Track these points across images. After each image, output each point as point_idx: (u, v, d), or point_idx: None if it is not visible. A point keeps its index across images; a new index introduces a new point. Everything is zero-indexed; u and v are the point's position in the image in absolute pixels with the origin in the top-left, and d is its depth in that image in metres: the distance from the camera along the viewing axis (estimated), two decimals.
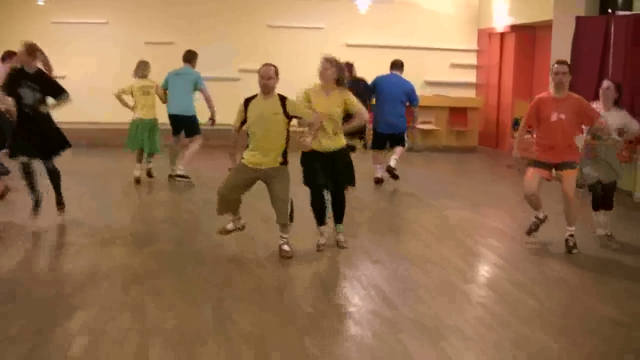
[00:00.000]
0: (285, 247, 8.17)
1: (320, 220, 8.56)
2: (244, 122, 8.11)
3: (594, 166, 8.91)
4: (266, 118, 8.00)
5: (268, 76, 8.04)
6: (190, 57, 12.88)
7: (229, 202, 8.21)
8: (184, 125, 12.57)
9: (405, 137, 12.93)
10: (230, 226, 8.39)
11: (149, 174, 12.74)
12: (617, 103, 8.94)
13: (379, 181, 12.85)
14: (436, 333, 5.96)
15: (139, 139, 12.44)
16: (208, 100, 12.51)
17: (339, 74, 8.40)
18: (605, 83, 8.95)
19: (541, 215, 9.01)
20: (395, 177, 12.61)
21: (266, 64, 8.15)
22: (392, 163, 12.52)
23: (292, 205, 8.20)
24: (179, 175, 12.40)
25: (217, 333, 5.83)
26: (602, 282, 7.69)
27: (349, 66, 12.82)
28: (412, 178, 13.17)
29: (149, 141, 12.43)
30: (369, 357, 5.50)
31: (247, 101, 8.13)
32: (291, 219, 8.24)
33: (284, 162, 8.17)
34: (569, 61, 12.74)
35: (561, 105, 8.59)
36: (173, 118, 12.60)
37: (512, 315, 6.47)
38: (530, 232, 9.06)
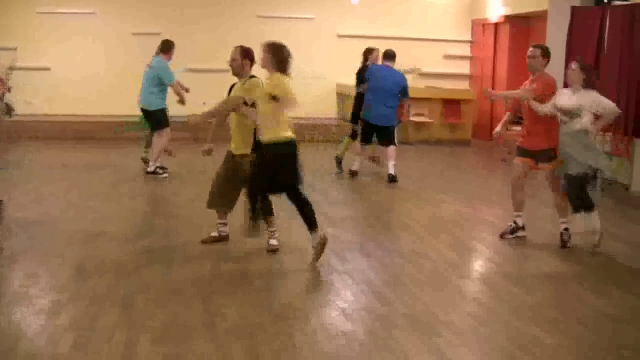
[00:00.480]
0: (272, 242, 8.17)
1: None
2: None
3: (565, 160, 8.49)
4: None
5: (231, 58, 8.06)
6: (163, 47, 12.65)
7: (217, 196, 8.22)
8: (147, 119, 12.60)
9: (395, 133, 12.90)
10: (213, 234, 8.41)
11: (144, 161, 12.85)
12: (588, 84, 8.33)
13: (354, 174, 12.91)
14: (430, 328, 6.00)
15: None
16: (176, 94, 12.44)
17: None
18: (572, 64, 8.52)
19: (520, 222, 8.89)
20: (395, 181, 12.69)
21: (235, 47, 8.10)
22: (392, 170, 12.53)
23: (262, 199, 7.91)
24: (149, 172, 12.47)
25: (207, 328, 5.85)
26: (597, 276, 7.72)
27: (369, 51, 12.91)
28: (404, 171, 13.18)
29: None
30: (362, 354, 5.53)
31: (232, 86, 8.22)
32: (265, 213, 8.00)
33: (255, 150, 7.97)
34: (564, 51, 12.84)
35: (532, 87, 8.57)
36: (141, 111, 12.68)
37: (505, 310, 6.51)
38: (504, 235, 8.94)
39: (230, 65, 8.10)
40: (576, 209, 8.42)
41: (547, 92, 8.48)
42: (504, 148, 9.14)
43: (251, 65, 8.16)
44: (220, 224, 8.42)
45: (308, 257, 7.84)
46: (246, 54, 8.13)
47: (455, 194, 11.61)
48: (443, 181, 12.93)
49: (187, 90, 12.53)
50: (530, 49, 8.70)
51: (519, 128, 9.63)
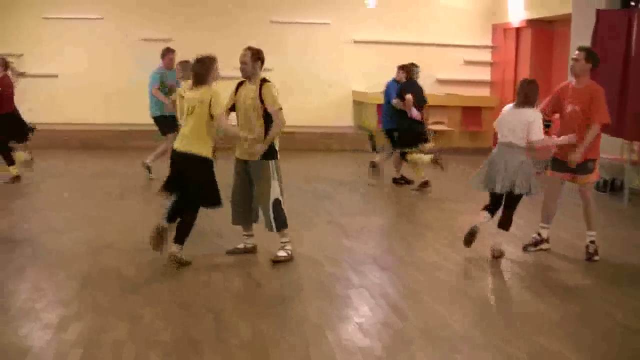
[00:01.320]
0: (280, 253, 8.20)
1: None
2: (233, 108, 8.19)
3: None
4: (243, 103, 8.07)
5: (242, 61, 8.10)
6: (161, 54, 13.15)
7: (239, 212, 8.33)
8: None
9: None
10: (239, 246, 8.46)
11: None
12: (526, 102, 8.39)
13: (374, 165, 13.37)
14: (449, 344, 5.99)
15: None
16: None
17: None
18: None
19: (545, 234, 8.90)
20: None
21: (244, 48, 8.18)
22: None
23: (280, 208, 8.15)
24: (145, 163, 12.98)
25: (218, 343, 5.86)
26: (622, 290, 7.67)
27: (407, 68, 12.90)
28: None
29: None
30: None
31: (239, 85, 8.22)
32: (280, 224, 8.16)
33: (266, 156, 8.06)
34: None
35: (577, 95, 8.49)
36: None
37: (527, 325, 6.49)
38: (527, 247, 8.95)
39: (240, 69, 8.09)
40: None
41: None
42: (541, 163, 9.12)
43: (262, 66, 8.18)
44: (246, 235, 8.48)
45: (324, 270, 7.86)
46: (257, 55, 8.11)
47: (475, 205, 11.56)
48: (462, 191, 12.90)
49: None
50: (576, 51, 8.63)
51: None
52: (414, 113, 12.55)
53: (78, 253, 8.34)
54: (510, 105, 8.61)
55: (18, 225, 9.48)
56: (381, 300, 7.04)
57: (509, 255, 8.78)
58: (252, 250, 8.48)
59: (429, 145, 12.85)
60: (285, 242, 8.26)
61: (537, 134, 8.23)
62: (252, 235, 8.49)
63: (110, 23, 18.03)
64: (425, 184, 12.63)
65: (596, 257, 8.55)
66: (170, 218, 8.03)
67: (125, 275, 7.59)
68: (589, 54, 8.58)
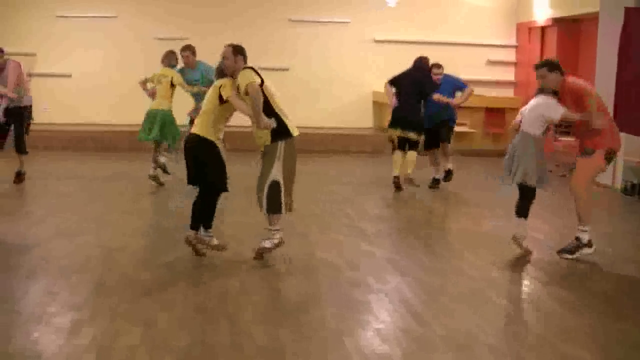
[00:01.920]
0: (265, 243, 8.27)
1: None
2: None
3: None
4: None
5: (223, 56, 8.27)
6: None
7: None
8: None
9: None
10: (268, 243, 8.37)
11: (163, 169, 12.80)
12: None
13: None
14: (470, 351, 5.97)
15: (147, 129, 12.46)
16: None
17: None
18: None
19: (585, 239, 8.79)
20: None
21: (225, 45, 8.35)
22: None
23: (276, 191, 8.13)
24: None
25: (234, 349, 5.87)
26: None
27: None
28: (444, 184, 13.18)
29: (160, 132, 12.42)
30: None
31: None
32: (272, 207, 8.16)
33: (275, 137, 8.11)
34: (616, 56, 12.72)
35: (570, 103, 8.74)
36: None
37: (552, 333, 6.46)
38: (563, 252, 8.89)
39: (225, 66, 8.25)
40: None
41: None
42: (564, 166, 9.18)
43: (244, 61, 8.29)
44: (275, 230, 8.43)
45: (343, 275, 7.87)
46: (238, 50, 8.26)
47: (499, 208, 11.56)
48: (484, 194, 12.88)
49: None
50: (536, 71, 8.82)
51: (569, 138, 9.63)
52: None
53: (90, 256, 8.38)
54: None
55: (29, 228, 9.53)
56: (401, 305, 7.03)
57: (533, 260, 8.75)
58: (281, 243, 8.41)
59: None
60: (274, 231, 8.24)
61: (557, 111, 8.51)
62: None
63: (124, 22, 18.12)
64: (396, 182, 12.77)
65: (589, 250, 8.73)
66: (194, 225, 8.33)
67: (138, 279, 7.61)
68: (548, 65, 8.78)
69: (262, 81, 7.98)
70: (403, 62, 16.12)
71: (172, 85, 12.45)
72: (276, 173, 8.08)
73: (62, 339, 5.97)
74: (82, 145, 16.92)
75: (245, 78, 7.98)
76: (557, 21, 17.25)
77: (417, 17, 18.71)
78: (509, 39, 19.30)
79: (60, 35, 17.93)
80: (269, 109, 8.02)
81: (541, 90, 8.70)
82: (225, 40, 17.21)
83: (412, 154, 12.68)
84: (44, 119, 16.06)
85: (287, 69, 17.76)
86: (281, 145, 8.10)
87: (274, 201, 8.13)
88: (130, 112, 17.67)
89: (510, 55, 19.40)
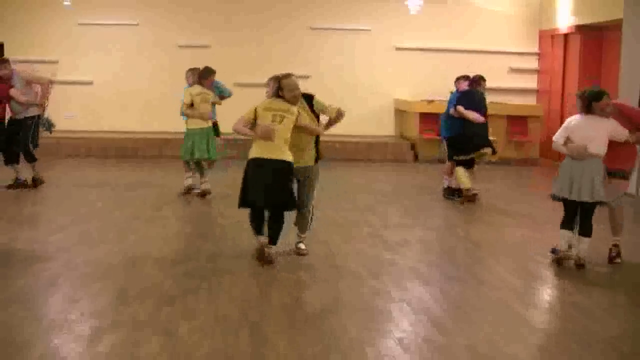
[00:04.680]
0: (301, 245, 8.98)
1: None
2: None
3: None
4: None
5: (296, 87, 8.55)
6: None
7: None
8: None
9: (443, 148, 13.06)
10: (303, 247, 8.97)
11: (204, 193, 12.65)
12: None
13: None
14: None
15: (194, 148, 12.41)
16: None
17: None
18: None
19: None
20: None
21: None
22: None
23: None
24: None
25: (255, 358, 5.86)
26: None
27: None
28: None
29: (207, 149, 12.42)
30: None
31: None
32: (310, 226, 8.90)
33: (316, 160, 8.78)
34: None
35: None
36: None
37: (576, 344, 6.40)
38: (611, 260, 8.96)
39: (296, 97, 8.47)
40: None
41: None
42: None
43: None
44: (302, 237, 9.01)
45: (364, 283, 7.84)
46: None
47: (522, 217, 11.51)
48: (507, 203, 12.82)
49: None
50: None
51: None
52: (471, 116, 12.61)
53: (113, 264, 8.39)
54: (577, 116, 8.81)
55: (52, 235, 9.57)
56: (423, 315, 7.00)
57: (554, 270, 8.70)
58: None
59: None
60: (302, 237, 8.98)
61: (623, 132, 8.65)
62: None
63: (145, 29, 18.21)
64: (472, 197, 12.57)
65: (618, 260, 8.87)
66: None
67: (160, 287, 7.61)
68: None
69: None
70: (424, 70, 16.19)
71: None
72: (315, 194, 8.80)
73: (82, 347, 5.98)
74: (104, 153, 17.00)
75: (322, 103, 8.66)
76: (580, 28, 17.17)
77: (439, 25, 18.68)
78: (531, 46, 19.24)
79: (82, 42, 18.04)
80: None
81: (587, 111, 8.66)
82: (246, 47, 17.37)
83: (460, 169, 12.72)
84: (67, 126, 16.17)
85: (308, 77, 17.75)
86: (317, 167, 8.72)
87: (308, 219, 8.94)
88: (152, 119, 17.81)
89: (532, 63, 19.34)
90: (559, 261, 8.77)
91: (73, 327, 6.41)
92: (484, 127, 12.74)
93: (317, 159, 8.74)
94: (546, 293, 8.20)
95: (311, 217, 8.92)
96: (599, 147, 8.54)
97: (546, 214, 12.00)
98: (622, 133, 8.60)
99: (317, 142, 8.73)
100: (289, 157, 8.32)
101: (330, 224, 10.49)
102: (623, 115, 8.70)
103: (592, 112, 8.60)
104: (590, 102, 8.59)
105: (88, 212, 11.22)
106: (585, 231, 8.63)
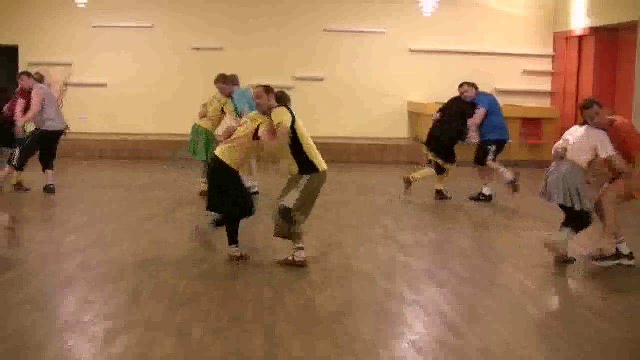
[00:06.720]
0: (287, 256, 8.59)
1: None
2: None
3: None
4: None
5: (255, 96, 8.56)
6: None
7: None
8: None
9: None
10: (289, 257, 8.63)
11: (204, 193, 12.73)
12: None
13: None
14: None
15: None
16: None
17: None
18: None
19: (626, 251, 8.83)
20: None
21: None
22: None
23: (286, 218, 8.41)
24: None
25: None
26: None
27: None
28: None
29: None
30: None
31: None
32: (280, 233, 8.56)
33: (300, 171, 8.43)
34: None
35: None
36: None
37: (590, 347, 6.38)
38: (600, 260, 8.84)
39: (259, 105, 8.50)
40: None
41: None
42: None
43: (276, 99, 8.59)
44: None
45: (378, 286, 7.83)
46: (269, 90, 8.57)
47: (537, 220, 11.47)
48: (522, 206, 12.78)
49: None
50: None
51: None
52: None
53: (127, 265, 8.41)
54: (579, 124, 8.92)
55: (66, 236, 9.60)
56: (436, 317, 6.99)
57: (569, 273, 8.67)
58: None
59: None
60: (294, 249, 8.53)
61: (606, 148, 8.54)
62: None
63: (160, 32, 18.25)
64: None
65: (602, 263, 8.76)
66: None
67: (174, 288, 7.62)
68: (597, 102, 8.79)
69: (294, 120, 8.30)
70: (438, 72, 16.15)
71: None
72: (290, 200, 8.35)
73: (96, 348, 6.00)
74: (119, 155, 17.06)
75: (278, 116, 8.26)
76: (594, 30, 17.10)
77: (453, 27, 18.65)
78: (545, 48, 19.18)
79: (96, 45, 18.09)
80: (298, 147, 8.34)
81: (583, 119, 8.77)
82: (260, 50, 17.40)
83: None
84: (81, 128, 16.21)
85: (322, 79, 17.76)
86: (305, 178, 8.38)
87: (282, 227, 8.50)
88: (166, 121, 17.85)
89: (547, 65, 19.28)
90: (565, 261, 8.81)
91: (87, 328, 6.43)
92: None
93: (303, 171, 8.41)
94: (560, 296, 8.17)
95: (275, 224, 8.61)
96: (578, 156, 8.60)
97: (560, 217, 11.96)
98: (605, 148, 8.52)
99: (298, 155, 8.39)
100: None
101: (345, 226, 10.50)
102: (620, 135, 8.62)
103: (587, 122, 8.70)
104: (583, 111, 8.68)
105: (102, 213, 11.25)
106: (566, 223, 8.86)
